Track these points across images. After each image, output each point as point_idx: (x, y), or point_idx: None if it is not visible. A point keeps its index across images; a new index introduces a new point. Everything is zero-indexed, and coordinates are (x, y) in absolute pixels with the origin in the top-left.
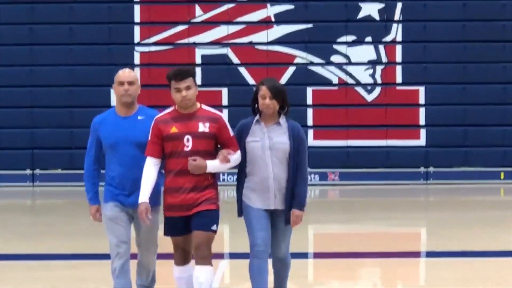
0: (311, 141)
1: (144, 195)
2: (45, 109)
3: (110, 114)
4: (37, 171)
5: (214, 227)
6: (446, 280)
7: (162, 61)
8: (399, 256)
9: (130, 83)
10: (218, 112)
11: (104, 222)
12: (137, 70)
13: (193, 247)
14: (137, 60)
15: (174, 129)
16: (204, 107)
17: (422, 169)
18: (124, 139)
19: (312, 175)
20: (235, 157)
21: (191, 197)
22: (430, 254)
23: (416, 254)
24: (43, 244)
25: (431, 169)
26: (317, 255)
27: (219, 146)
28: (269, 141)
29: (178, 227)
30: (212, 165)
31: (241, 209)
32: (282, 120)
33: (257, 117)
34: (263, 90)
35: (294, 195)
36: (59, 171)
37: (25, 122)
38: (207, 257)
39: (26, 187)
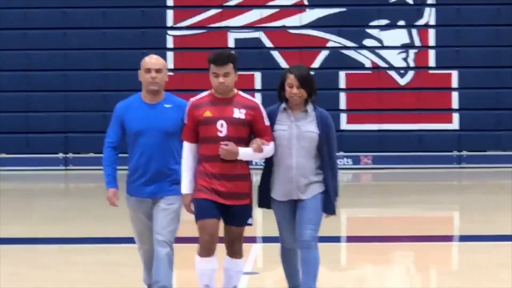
0: (344, 125)
1: (186, 186)
2: (78, 92)
3: (135, 100)
4: (70, 155)
5: (249, 221)
6: (480, 264)
7: (195, 45)
8: (432, 240)
9: (158, 70)
10: (255, 100)
11: (129, 214)
12: (170, 54)
13: (225, 241)
14: (170, 44)
15: (208, 113)
16: (241, 93)
17: (455, 153)
18: (150, 126)
19: (345, 159)
20: (269, 148)
21: (223, 185)
22: (463, 238)
23: (450, 238)
24: (76, 228)
25: (464, 153)
26: (350, 239)
27: (252, 135)
28: (297, 130)
29: (209, 209)
30: (245, 152)
31: (262, 199)
32: (310, 108)
33: (284, 105)
34: (291, 78)
35: (328, 186)
36: (92, 155)
37: (58, 106)
38: (239, 251)
39: (59, 170)
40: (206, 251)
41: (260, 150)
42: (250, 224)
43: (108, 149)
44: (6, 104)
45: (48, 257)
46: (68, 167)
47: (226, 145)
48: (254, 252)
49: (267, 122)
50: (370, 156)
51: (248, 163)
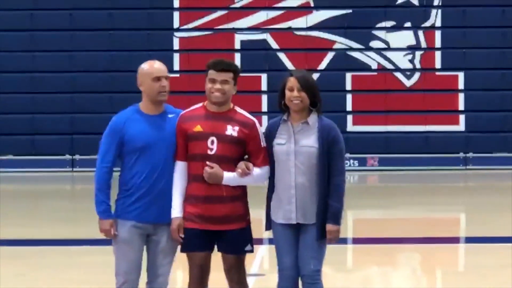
0: (350, 126)
1: (176, 210)
2: (85, 94)
3: (134, 112)
4: (77, 157)
5: (248, 247)
6: (486, 266)
7: (202, 47)
8: (438, 242)
9: (167, 78)
10: (253, 118)
11: (116, 242)
12: (176, 56)
13: (224, 270)
14: (176, 46)
15: (198, 128)
16: (238, 109)
17: (461, 155)
18: (157, 139)
19: (352, 161)
20: (260, 172)
21: (215, 208)
22: (469, 240)
23: (455, 240)
24: (82, 229)
25: (470, 154)
26: (356, 241)
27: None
28: (295, 145)
29: (198, 241)
30: (229, 177)
31: (267, 221)
32: (312, 119)
33: (285, 116)
34: (291, 81)
35: (327, 208)
36: None
37: (65, 108)
38: (241, 281)
39: (65, 172)
40: (197, 284)
41: (244, 175)
42: (250, 251)
43: (103, 171)
44: (12, 106)
45: (53, 258)
46: (75, 169)
47: (212, 167)
48: (260, 254)
49: (263, 144)
50: (376, 158)
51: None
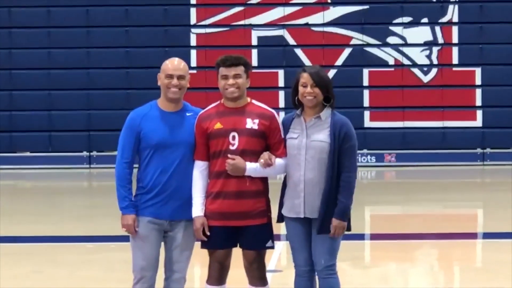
0: (368, 122)
1: (198, 208)
2: (102, 91)
3: (152, 108)
4: (94, 153)
5: (269, 243)
6: (503, 262)
7: (219, 43)
8: (455, 237)
9: (180, 77)
10: (271, 109)
11: (133, 238)
12: (193, 52)
13: (244, 266)
14: (193, 42)
15: (218, 125)
16: (256, 102)
17: (478, 150)
18: (174, 137)
19: (369, 157)
20: (282, 163)
21: (236, 204)
22: (486, 236)
23: (473, 236)
24: (99, 226)
25: (487, 150)
26: (374, 237)
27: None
28: (307, 139)
29: (219, 238)
30: (252, 168)
31: (279, 214)
32: (325, 113)
33: (299, 111)
34: (305, 77)
35: (337, 203)
36: (115, 153)
37: (81, 104)
38: (262, 277)
39: (82, 169)
40: (216, 279)
41: (266, 165)
42: (271, 247)
43: (123, 166)
44: (29, 103)
45: (71, 255)
46: (92, 166)
47: (233, 159)
48: (277, 250)
49: (283, 135)
50: (393, 154)
51: (266, 178)
